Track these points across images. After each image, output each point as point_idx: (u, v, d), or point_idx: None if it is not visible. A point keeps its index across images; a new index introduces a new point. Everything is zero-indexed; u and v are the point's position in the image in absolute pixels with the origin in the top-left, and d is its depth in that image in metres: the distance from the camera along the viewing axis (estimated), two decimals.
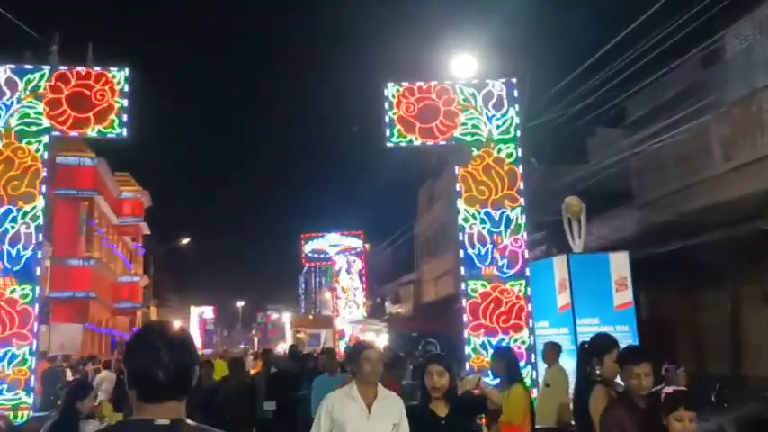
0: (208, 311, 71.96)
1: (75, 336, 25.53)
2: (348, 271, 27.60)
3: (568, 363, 7.94)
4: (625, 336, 7.80)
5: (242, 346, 74.58)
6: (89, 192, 32.23)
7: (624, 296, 7.82)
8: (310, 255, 29.68)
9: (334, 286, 28.53)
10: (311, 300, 55.72)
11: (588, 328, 7.97)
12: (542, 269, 9.05)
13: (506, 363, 6.15)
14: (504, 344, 9.50)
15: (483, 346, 9.45)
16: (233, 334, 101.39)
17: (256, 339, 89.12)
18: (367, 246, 29.53)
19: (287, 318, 54.14)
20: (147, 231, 45.02)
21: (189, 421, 2.08)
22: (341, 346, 24.56)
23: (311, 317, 40.82)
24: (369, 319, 25.29)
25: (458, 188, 9.91)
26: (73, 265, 31.13)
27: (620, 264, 7.95)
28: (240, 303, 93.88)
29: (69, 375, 14.67)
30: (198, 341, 64.41)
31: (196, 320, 67.38)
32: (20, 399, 8.55)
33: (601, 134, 17.55)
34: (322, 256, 29.62)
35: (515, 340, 9.53)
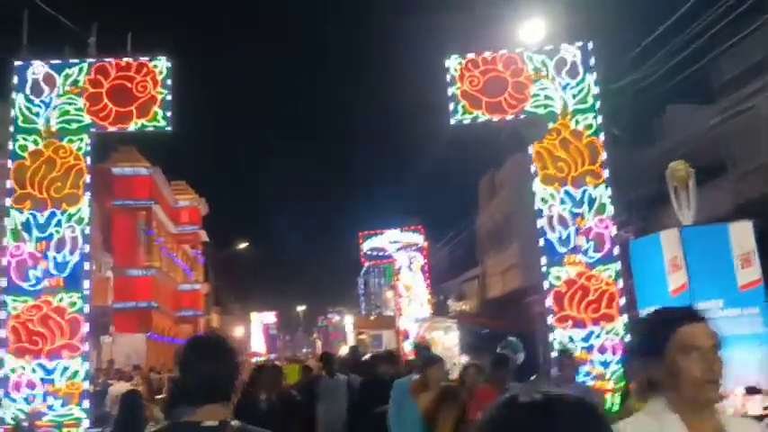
0: (269, 317, 72.28)
1: (139, 346, 25.42)
2: (410, 268, 26.66)
3: None
4: (753, 320, 6.68)
5: (304, 350, 74.80)
6: (146, 201, 32.38)
7: (750, 274, 6.68)
8: (369, 253, 28.83)
9: (396, 285, 27.60)
10: (371, 301, 55.15)
11: (710, 312, 6.85)
12: (646, 247, 7.99)
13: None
14: (595, 336, 8.59)
15: (570, 339, 8.49)
16: (295, 338, 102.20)
17: (318, 343, 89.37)
18: (425, 243, 28.62)
19: (348, 320, 53.60)
20: (205, 239, 45.14)
21: (234, 422, 2.30)
22: (405, 348, 23.63)
23: (372, 318, 40.03)
24: (435, 316, 24.32)
25: (533, 168, 8.97)
26: (134, 275, 31.28)
27: (742, 235, 6.80)
28: (301, 308, 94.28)
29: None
30: (262, 347, 64.79)
31: (258, 326, 67.73)
32: (73, 414, 7.99)
33: (671, 111, 16.29)
34: (381, 254, 28.81)
35: (607, 331, 8.55)
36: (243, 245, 41.47)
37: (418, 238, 26.94)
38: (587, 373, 8.46)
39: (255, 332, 66.48)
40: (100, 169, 31.19)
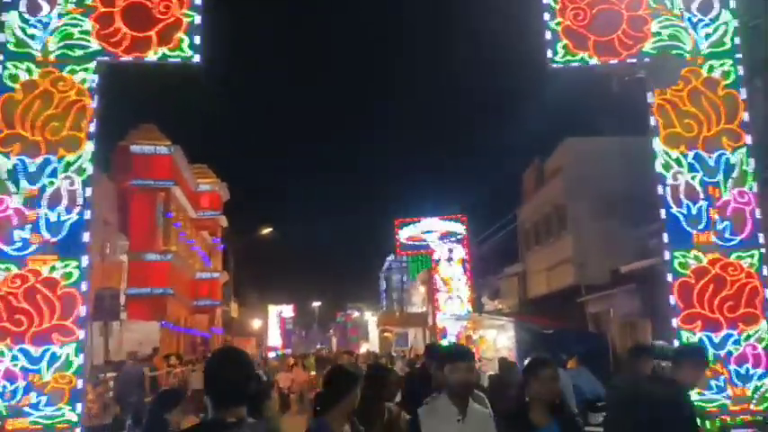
0: (287, 310, 70.93)
1: (152, 334, 23.80)
2: (449, 260, 24.68)
3: None
4: None
5: (318, 346, 73.47)
6: (166, 182, 30.78)
7: None
8: (405, 243, 26.86)
9: (434, 278, 25.59)
10: (392, 297, 53.53)
11: None
12: None
13: None
14: (732, 341, 6.69)
15: (701, 343, 6.60)
16: (310, 334, 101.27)
17: (335, 340, 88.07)
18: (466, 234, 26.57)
19: (370, 317, 51.82)
20: (225, 225, 43.56)
21: (250, 419, 2.94)
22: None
23: (398, 314, 38.10)
24: (482, 313, 22.30)
25: (652, 121, 7.12)
26: (150, 260, 29.79)
27: None
28: (316, 304, 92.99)
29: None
30: (278, 341, 63.29)
31: (275, 319, 66.30)
32: (63, 415, 6.24)
33: None
34: (419, 243, 26.85)
35: (747, 336, 6.69)
36: (266, 230, 39.69)
37: (459, 228, 24.93)
38: (721, 389, 6.57)
39: (272, 325, 65.07)
40: (118, 147, 29.73)
